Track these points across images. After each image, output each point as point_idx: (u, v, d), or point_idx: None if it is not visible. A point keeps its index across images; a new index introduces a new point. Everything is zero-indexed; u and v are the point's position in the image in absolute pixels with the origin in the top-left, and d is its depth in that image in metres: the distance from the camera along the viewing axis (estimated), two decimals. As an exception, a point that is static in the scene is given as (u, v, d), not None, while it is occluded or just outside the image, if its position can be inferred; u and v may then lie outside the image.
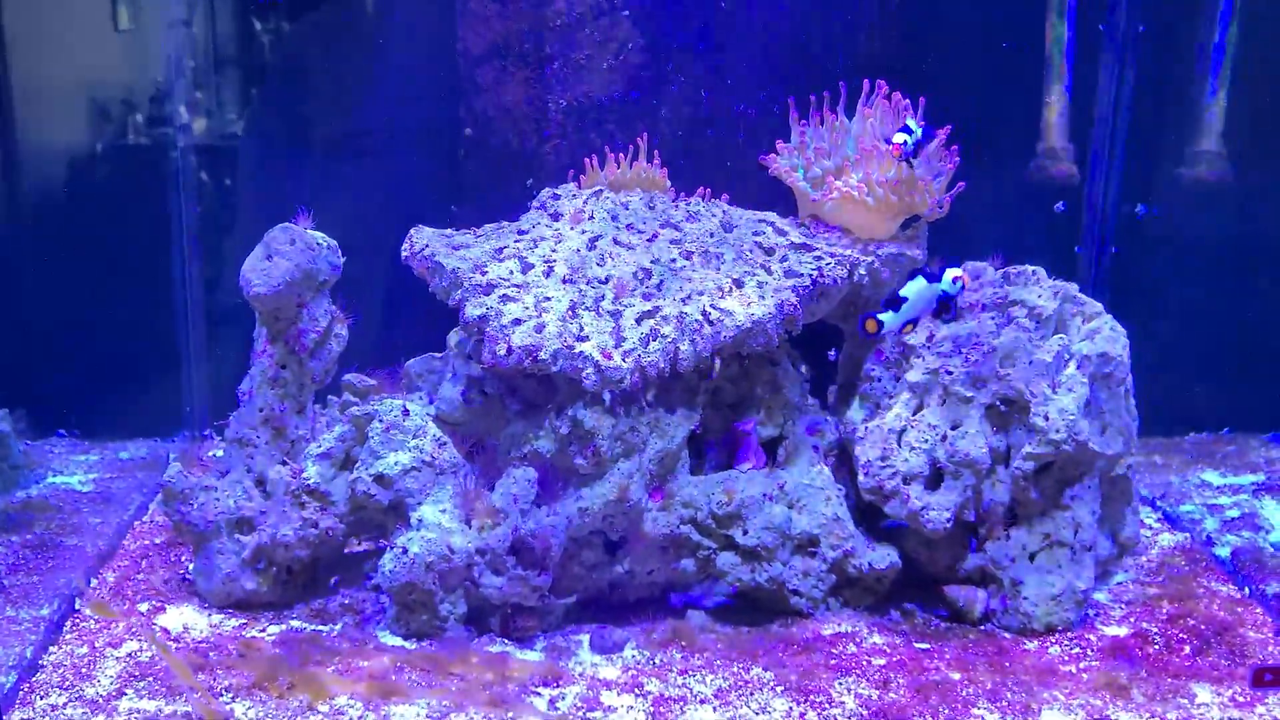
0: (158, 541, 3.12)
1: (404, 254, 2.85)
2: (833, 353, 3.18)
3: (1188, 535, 3.23)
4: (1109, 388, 2.75)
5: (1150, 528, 3.26)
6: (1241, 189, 3.70)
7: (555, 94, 3.37)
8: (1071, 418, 2.65)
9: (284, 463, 2.79)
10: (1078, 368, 2.71)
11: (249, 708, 2.37)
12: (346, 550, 2.95)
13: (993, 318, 2.80)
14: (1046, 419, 2.66)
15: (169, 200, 3.67)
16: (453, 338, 2.84)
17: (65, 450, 3.76)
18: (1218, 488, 3.49)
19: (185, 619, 2.73)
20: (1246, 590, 2.91)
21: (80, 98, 3.69)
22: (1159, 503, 3.42)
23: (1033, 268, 2.85)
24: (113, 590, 2.86)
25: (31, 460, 3.56)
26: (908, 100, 2.90)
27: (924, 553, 2.81)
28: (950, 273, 2.66)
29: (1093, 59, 3.57)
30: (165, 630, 2.67)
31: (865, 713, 2.41)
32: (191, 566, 2.84)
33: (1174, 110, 3.70)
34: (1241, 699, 2.46)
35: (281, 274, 2.71)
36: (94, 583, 2.89)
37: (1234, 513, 3.30)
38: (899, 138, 2.78)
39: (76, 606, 2.77)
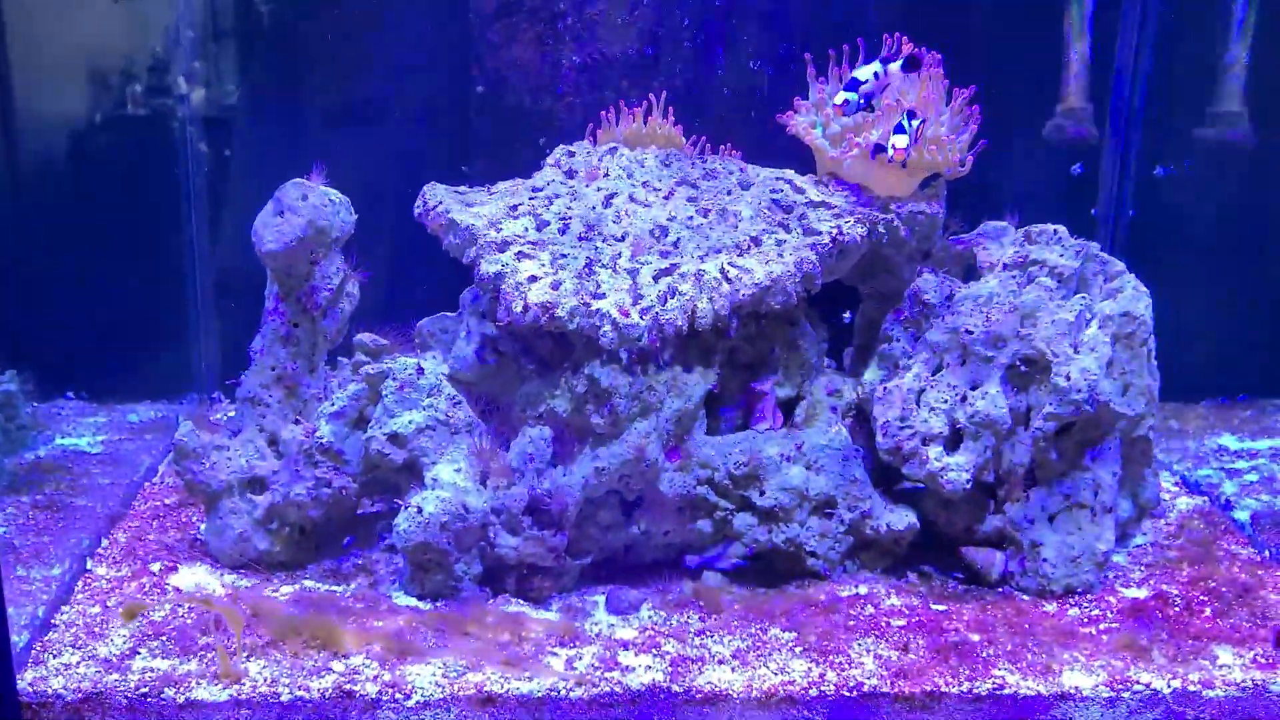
0: (168, 502, 3.09)
1: (417, 211, 2.82)
2: (848, 315, 3.15)
3: (1206, 499, 3.20)
4: (1131, 348, 2.72)
5: (1168, 492, 3.24)
6: (1263, 150, 3.65)
7: (568, 51, 3.32)
8: (1093, 378, 2.62)
9: (297, 422, 2.76)
10: (1100, 327, 2.68)
11: (263, 666, 2.35)
12: (360, 511, 2.92)
13: (1014, 277, 2.76)
14: (1068, 379, 2.63)
15: (174, 165, 3.63)
16: (467, 296, 2.81)
17: (73, 412, 3.73)
18: (1235, 452, 3.47)
19: (197, 579, 2.70)
20: (1267, 553, 2.89)
21: (80, 68, 3.65)
22: (1176, 467, 3.39)
23: (1054, 226, 2.82)
24: (124, 550, 2.83)
25: (40, 422, 3.52)
26: (935, 54, 2.85)
27: (942, 514, 2.79)
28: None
29: (1113, 18, 3.52)
30: (178, 590, 2.64)
31: (885, 673, 2.39)
32: (203, 527, 2.82)
33: (1195, 70, 3.64)
34: (1264, 660, 2.44)
35: (294, 230, 2.68)
36: (105, 543, 2.87)
37: (1252, 477, 3.28)
38: (841, 97, 2.72)
39: (88, 566, 2.75)
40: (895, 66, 2.76)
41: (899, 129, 2.67)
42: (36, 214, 3.70)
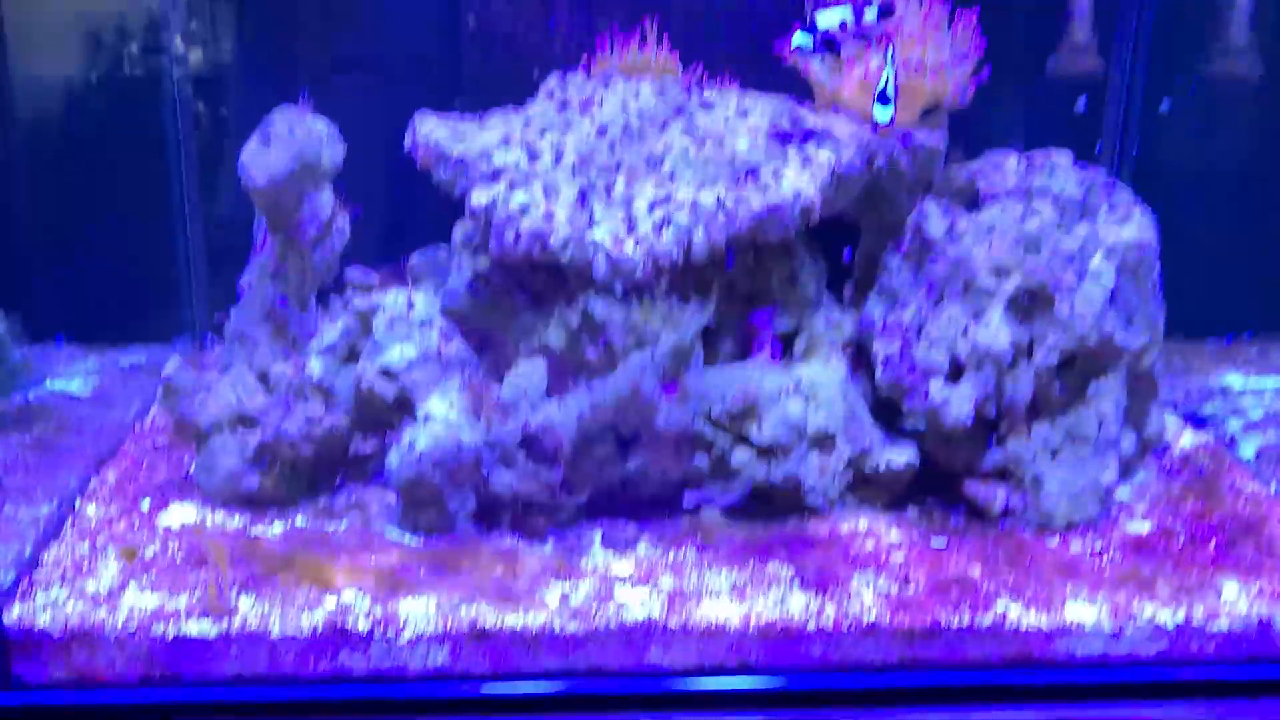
0: (159, 443, 3.05)
1: (407, 143, 2.76)
2: (848, 252, 3.10)
3: (1211, 435, 3.16)
4: (1136, 278, 2.67)
5: (1173, 428, 3.19)
6: (1269, 84, 3.59)
7: (562, -19, 3.26)
8: (1097, 309, 2.57)
9: (286, 358, 2.72)
10: (1104, 258, 2.63)
11: (254, 602, 2.32)
12: (353, 451, 2.88)
13: (1017, 206, 2.70)
14: (1071, 311, 2.58)
15: (168, 120, 3.57)
16: (458, 231, 2.76)
17: (64, 356, 3.68)
18: (1241, 389, 3.42)
19: (187, 517, 2.67)
20: (1273, 487, 2.85)
21: (76, 27, 3.59)
22: (1181, 404, 3.35)
23: (1058, 153, 2.76)
24: (113, 489, 2.79)
25: (30, 364, 3.48)
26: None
27: (943, 450, 2.74)
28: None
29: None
30: (167, 528, 2.61)
31: (885, 607, 2.36)
32: (193, 465, 2.78)
33: (1201, 4, 3.57)
34: (1269, 593, 2.41)
35: (281, 163, 2.62)
36: (94, 482, 2.83)
37: (1258, 413, 3.23)
38: (797, 40, 2.61)
39: (76, 505, 2.72)
40: (870, 15, 2.64)
41: (882, 98, 2.57)
42: (30, 166, 3.65)
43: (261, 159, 2.62)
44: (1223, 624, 2.34)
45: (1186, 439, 3.14)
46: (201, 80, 3.57)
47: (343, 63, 3.55)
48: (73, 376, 3.51)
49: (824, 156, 2.67)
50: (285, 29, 3.59)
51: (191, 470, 2.79)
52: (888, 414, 2.76)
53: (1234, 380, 3.49)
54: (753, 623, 2.31)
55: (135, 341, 3.76)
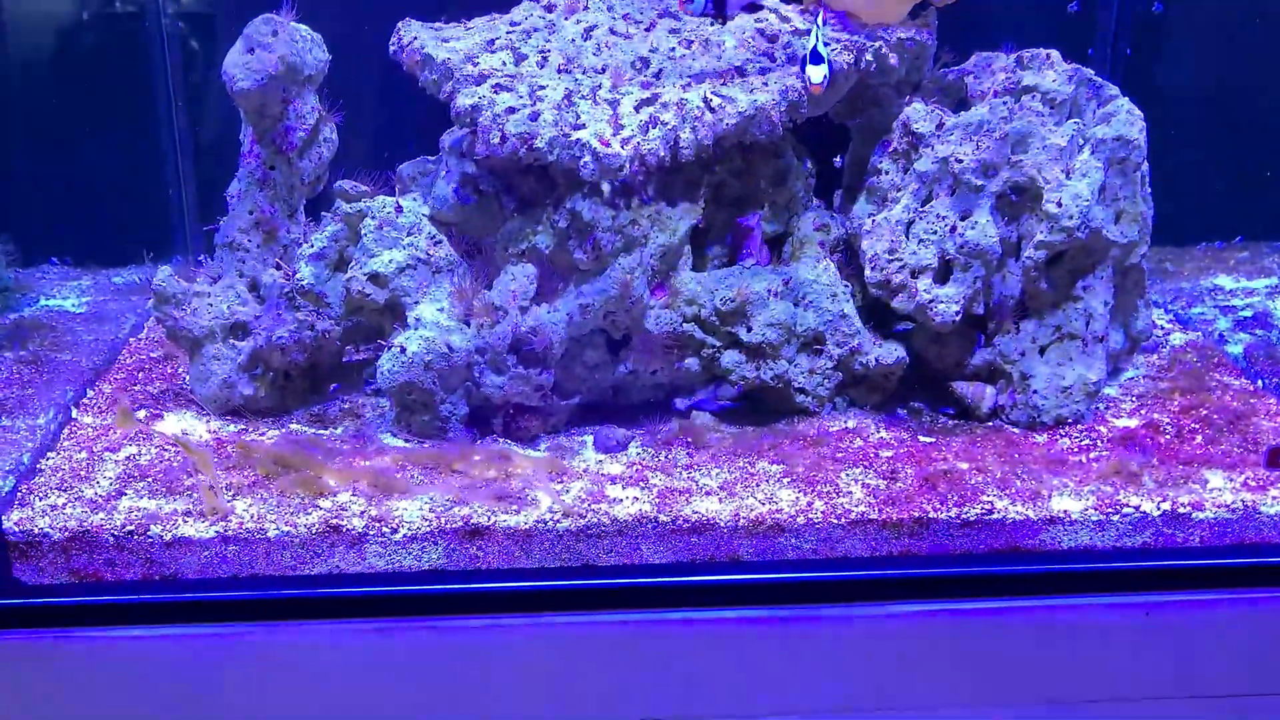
0: (154, 356, 3.07)
1: (392, 48, 2.74)
2: (838, 159, 3.09)
3: (1199, 334, 3.17)
4: (1124, 173, 2.66)
5: (1162, 328, 3.20)
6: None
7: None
8: (1085, 204, 2.57)
9: (277, 266, 2.72)
10: (1092, 152, 2.62)
11: (250, 504, 2.35)
12: (346, 359, 2.90)
13: (1005, 103, 2.69)
14: (1059, 205, 2.58)
15: (155, 52, 3.55)
16: (446, 137, 2.75)
17: (58, 276, 3.69)
18: (1230, 291, 3.43)
19: (183, 425, 2.69)
20: (1260, 383, 2.87)
21: None
22: (1170, 306, 3.36)
23: (1047, 51, 2.74)
24: (109, 400, 2.81)
25: (23, 285, 3.50)
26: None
27: (932, 348, 2.76)
28: None
29: None
30: (165, 435, 2.63)
31: (874, 501, 2.38)
32: (188, 376, 2.79)
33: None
34: (1254, 483, 2.43)
35: (265, 68, 2.61)
36: (90, 394, 2.85)
37: (1247, 313, 3.25)
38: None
39: (73, 416, 2.74)
40: None
41: (814, 58, 2.51)
42: (22, 95, 3.63)
43: (245, 62, 2.61)
44: (1208, 513, 2.37)
45: (1176, 338, 3.15)
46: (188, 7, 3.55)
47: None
48: (67, 295, 3.52)
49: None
50: None
51: (186, 380, 2.80)
52: (878, 313, 2.77)
53: (1224, 282, 3.49)
54: (742, 518, 2.34)
55: (129, 262, 3.76)
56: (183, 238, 3.76)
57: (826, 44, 2.56)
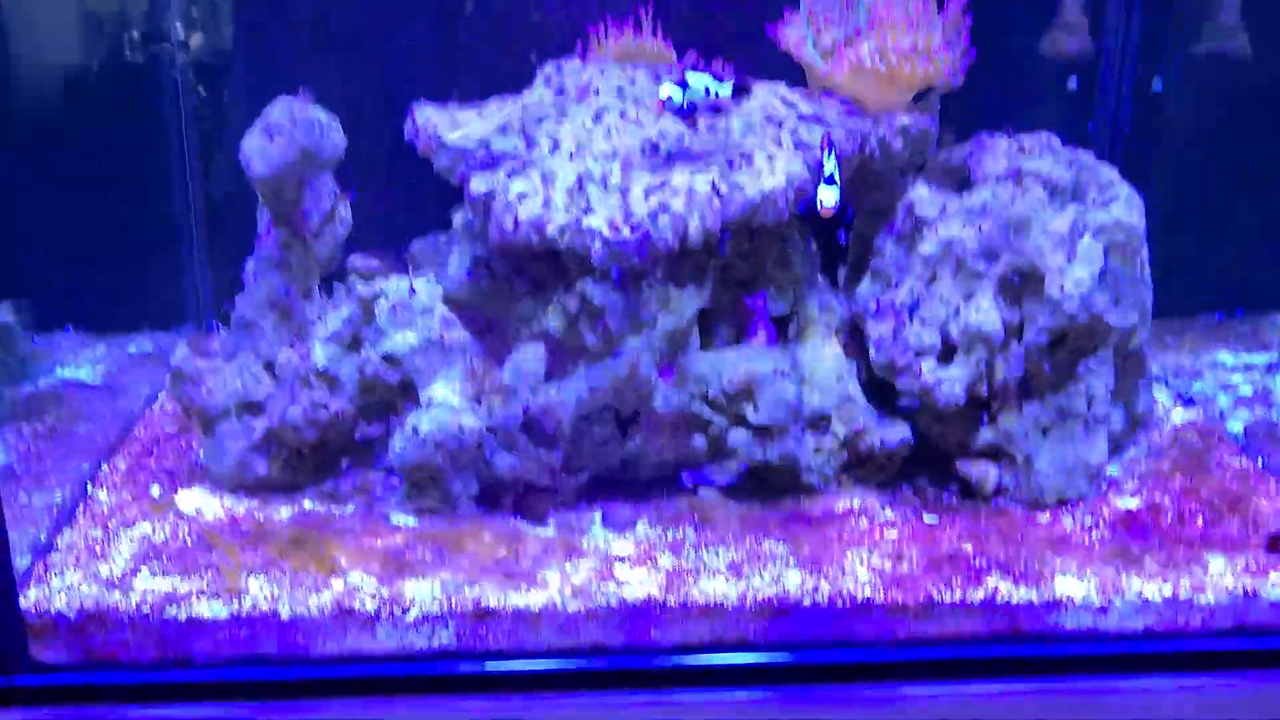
0: (168, 430, 3.11)
1: (407, 132, 2.80)
2: (842, 234, 3.14)
3: (1200, 411, 3.21)
4: (1124, 258, 2.71)
5: (1163, 405, 3.24)
6: (1258, 62, 3.62)
7: (558, -34, 3.30)
8: (1086, 289, 2.62)
9: (291, 345, 2.77)
10: (1093, 238, 2.67)
11: (263, 584, 2.38)
12: (358, 436, 2.94)
13: (1006, 188, 2.74)
14: (1061, 291, 2.62)
15: (170, 106, 3.61)
16: (458, 218, 2.80)
17: (73, 344, 3.74)
18: (1231, 366, 3.47)
19: (198, 502, 2.72)
20: (1260, 462, 2.90)
21: (76, 14, 3.62)
22: (1172, 381, 3.39)
23: (1048, 135, 2.80)
24: (124, 475, 2.85)
25: (40, 353, 3.54)
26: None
27: (936, 428, 2.80)
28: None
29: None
30: (179, 512, 2.67)
31: (879, 583, 2.41)
32: (202, 451, 2.83)
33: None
34: (1254, 567, 2.47)
35: (282, 153, 2.66)
36: (106, 468, 2.89)
37: (1247, 390, 3.28)
38: (665, 91, 2.65)
39: (89, 491, 2.78)
40: (725, 90, 2.71)
41: (829, 180, 2.61)
42: (35, 154, 3.68)
43: (263, 149, 2.66)
44: (1208, 598, 2.40)
45: (1177, 415, 3.19)
46: (202, 66, 3.61)
47: (341, 46, 3.58)
48: (82, 364, 3.57)
49: (817, 139, 2.71)
50: (283, 16, 3.62)
51: (200, 456, 2.84)
52: (882, 393, 2.81)
53: (1224, 357, 3.53)
54: (749, 601, 2.37)
55: (142, 329, 3.81)
56: (196, 301, 3.81)
57: (833, 149, 2.63)
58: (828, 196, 2.59)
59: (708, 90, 2.70)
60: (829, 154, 2.63)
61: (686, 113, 2.71)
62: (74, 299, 3.79)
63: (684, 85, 2.68)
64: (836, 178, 2.61)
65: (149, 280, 3.80)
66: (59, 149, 3.67)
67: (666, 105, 2.68)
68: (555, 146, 2.69)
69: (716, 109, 2.76)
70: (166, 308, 3.81)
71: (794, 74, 2.96)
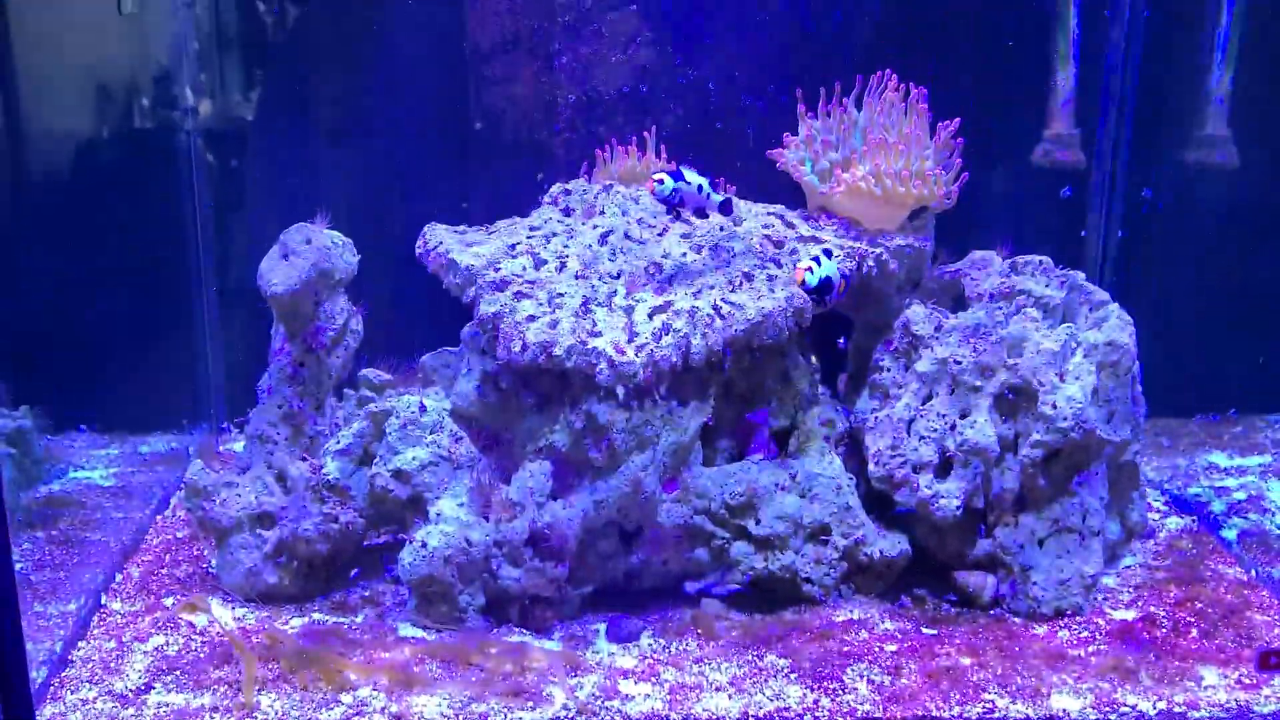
0: (180, 536, 3.17)
1: (418, 251, 2.90)
2: (842, 341, 3.22)
3: (1195, 518, 3.26)
4: (1116, 376, 2.78)
5: (1158, 511, 3.30)
6: (1246, 170, 3.72)
7: (564, 88, 3.40)
8: (1079, 406, 2.69)
9: (304, 458, 2.84)
10: (1085, 356, 2.75)
11: (274, 699, 2.43)
12: (366, 544, 3.00)
13: (1000, 307, 2.83)
14: (1054, 407, 2.70)
15: (180, 187, 3.68)
16: (468, 332, 2.88)
17: (86, 445, 3.80)
18: (1225, 469, 3.53)
19: (212, 613, 2.77)
20: (1253, 573, 2.95)
21: (87, 83, 3.69)
22: (1166, 485, 3.45)
23: (1039, 257, 2.89)
24: (137, 585, 2.91)
25: (53, 455, 3.61)
26: (921, 89, 2.92)
27: (934, 540, 2.85)
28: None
29: (1098, 44, 3.59)
30: (191, 625, 2.72)
31: (878, 698, 2.46)
32: (214, 561, 2.89)
33: (1180, 95, 3.71)
34: (1248, 681, 2.51)
35: (298, 274, 2.76)
36: (119, 577, 2.94)
37: (1241, 495, 3.34)
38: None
39: (102, 601, 2.83)
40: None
41: (815, 262, 2.65)
42: (43, 246, 3.73)
43: (279, 270, 2.76)
44: (1203, 712, 2.44)
45: (1172, 522, 3.25)
46: (219, 150, 3.68)
47: (356, 150, 3.68)
48: (95, 465, 3.63)
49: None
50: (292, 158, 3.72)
51: (213, 566, 2.90)
52: (881, 504, 2.87)
53: (1219, 459, 3.59)
54: (751, 716, 2.41)
55: (155, 429, 3.86)
56: (209, 401, 3.87)
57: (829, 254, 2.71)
58: (807, 275, 2.61)
59: (700, 188, 2.73)
60: (824, 263, 2.67)
61: (672, 203, 2.73)
62: (87, 399, 3.85)
63: (678, 176, 2.72)
64: (817, 268, 2.63)
65: (163, 381, 3.85)
66: (72, 246, 3.71)
67: (655, 191, 2.70)
68: (562, 266, 2.78)
69: (703, 213, 2.80)
70: (180, 409, 3.86)
71: (794, 195, 3.06)
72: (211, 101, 3.70)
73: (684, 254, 2.80)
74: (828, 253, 2.67)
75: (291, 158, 3.71)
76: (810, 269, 2.62)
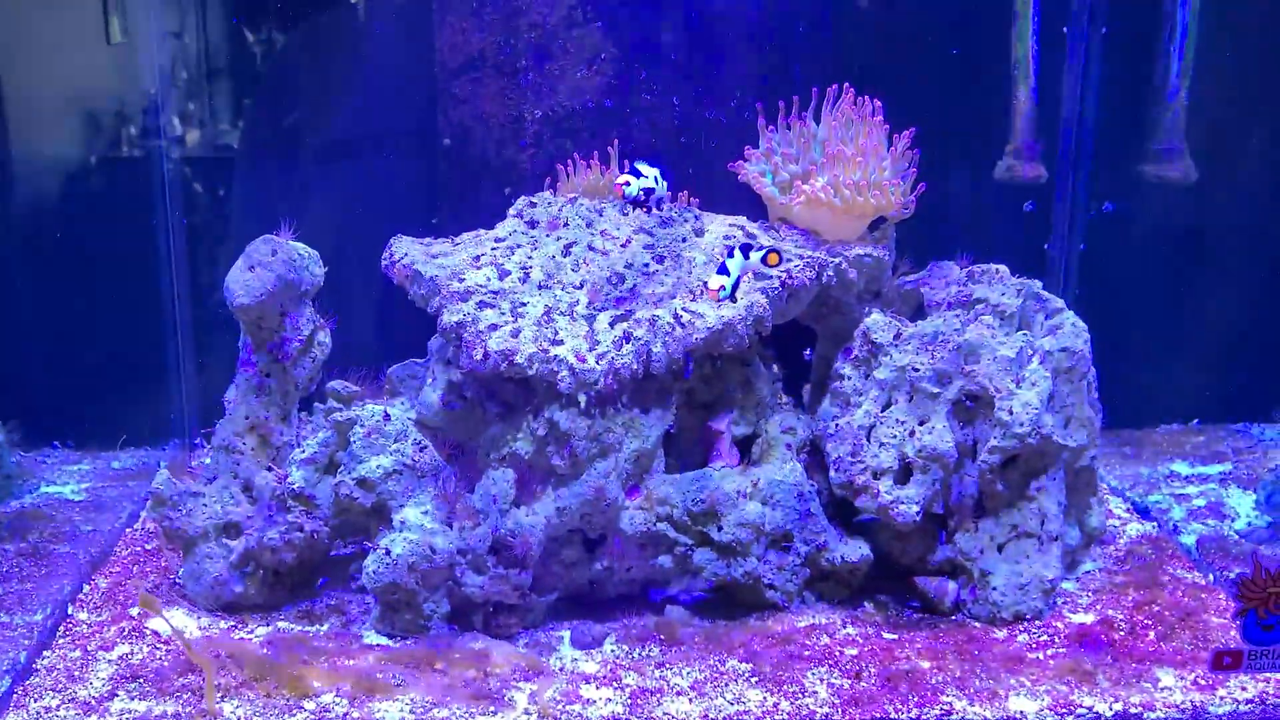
0: (149, 548, 3.18)
1: (384, 263, 2.93)
2: (808, 352, 3.25)
3: (1155, 524, 3.30)
4: (1071, 381, 2.83)
5: (1119, 518, 3.34)
6: (1204, 184, 3.78)
7: (531, 104, 3.44)
8: (1035, 411, 2.73)
9: (270, 469, 2.86)
10: (1040, 363, 2.79)
11: (237, 706, 2.44)
12: (334, 554, 3.02)
13: (958, 315, 2.87)
14: (1011, 413, 2.73)
15: (158, 212, 3.71)
16: (434, 343, 2.91)
17: (58, 461, 3.82)
18: (1186, 477, 3.57)
19: (175, 622, 2.78)
20: (1210, 577, 2.99)
21: (73, 111, 3.73)
22: (1128, 493, 3.49)
23: (996, 266, 2.93)
24: (105, 595, 2.92)
25: (25, 471, 3.62)
26: (876, 102, 2.97)
27: (895, 545, 2.89)
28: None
29: (1058, 60, 3.65)
30: (156, 633, 2.73)
31: (837, 702, 2.48)
32: (181, 571, 2.91)
33: (1138, 109, 3.77)
34: (1203, 682, 2.54)
35: (263, 285, 2.78)
36: (86, 588, 2.96)
37: (1200, 502, 3.38)
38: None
39: (69, 612, 2.84)
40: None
41: (721, 269, 2.69)
42: (22, 265, 3.77)
43: (245, 280, 2.78)
44: (1159, 713, 2.47)
45: (1133, 528, 3.28)
46: (196, 173, 3.72)
47: (333, 167, 3.72)
48: (66, 480, 3.64)
49: (775, 270, 2.84)
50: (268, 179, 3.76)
51: (180, 576, 2.91)
52: (843, 511, 2.90)
53: (1180, 468, 3.63)
54: (711, 718, 2.43)
55: (127, 445, 3.88)
56: (181, 417, 3.89)
57: (738, 251, 2.74)
58: (713, 280, 2.68)
59: (657, 179, 2.94)
60: (733, 256, 2.71)
61: (642, 201, 2.93)
62: (60, 415, 3.87)
63: (636, 174, 2.91)
64: (730, 269, 2.69)
65: (134, 396, 3.87)
66: (44, 272, 3.76)
67: (625, 196, 2.90)
68: (525, 276, 2.81)
69: (668, 224, 2.92)
70: (151, 424, 3.88)
71: (756, 207, 3.10)
72: (185, 124, 3.74)
73: (646, 264, 2.83)
74: (745, 248, 2.72)
75: (265, 175, 3.75)
76: (721, 274, 2.70)
